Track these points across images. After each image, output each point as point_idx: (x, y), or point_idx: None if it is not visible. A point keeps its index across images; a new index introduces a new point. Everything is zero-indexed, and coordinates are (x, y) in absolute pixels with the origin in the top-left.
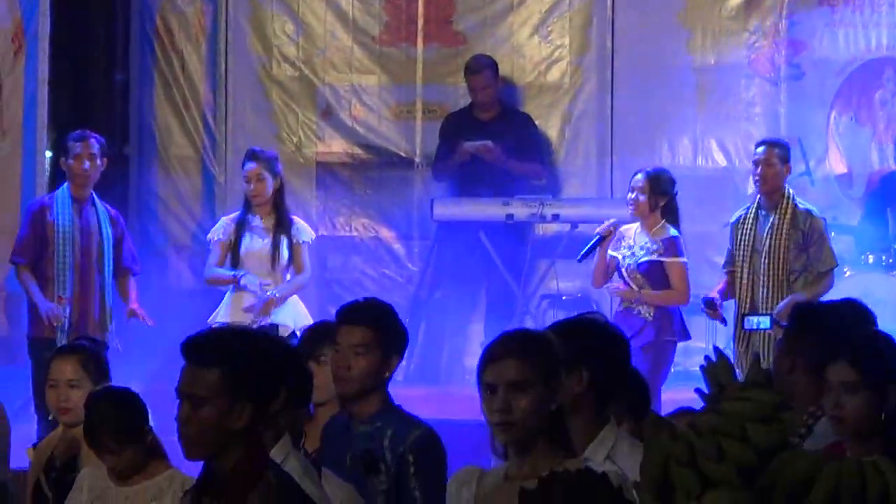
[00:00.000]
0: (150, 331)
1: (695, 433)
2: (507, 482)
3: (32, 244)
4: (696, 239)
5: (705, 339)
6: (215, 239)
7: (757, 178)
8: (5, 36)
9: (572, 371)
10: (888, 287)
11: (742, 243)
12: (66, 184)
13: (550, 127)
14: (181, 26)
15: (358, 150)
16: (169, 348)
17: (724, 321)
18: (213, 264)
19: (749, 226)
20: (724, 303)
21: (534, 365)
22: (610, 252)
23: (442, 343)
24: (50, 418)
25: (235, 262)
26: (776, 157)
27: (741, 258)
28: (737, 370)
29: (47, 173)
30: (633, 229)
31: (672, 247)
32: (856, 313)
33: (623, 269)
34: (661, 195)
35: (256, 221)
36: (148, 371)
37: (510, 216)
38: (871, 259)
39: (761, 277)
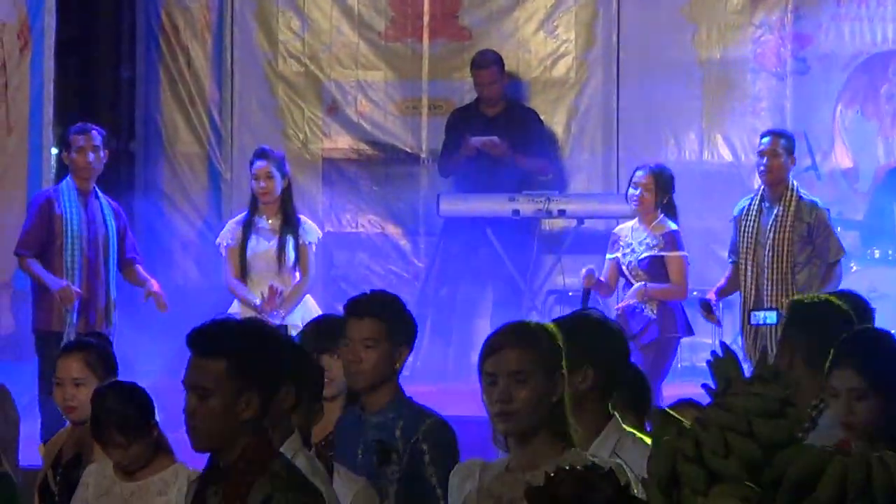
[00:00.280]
0: (156, 326)
1: (701, 428)
2: (509, 473)
3: (39, 236)
4: (702, 234)
5: (712, 334)
6: (224, 244)
7: (762, 168)
8: (11, 33)
9: (577, 368)
10: (894, 281)
11: (746, 235)
12: (69, 177)
13: (556, 122)
14: (187, 22)
15: (364, 146)
16: (175, 344)
17: (719, 324)
18: (232, 275)
19: (753, 217)
20: (728, 296)
21: (534, 356)
22: (609, 256)
23: (448, 339)
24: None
25: (243, 265)
26: (781, 147)
27: (745, 250)
28: (745, 364)
29: (53, 169)
30: (627, 227)
31: (672, 241)
32: (854, 307)
33: (624, 267)
34: (664, 192)
35: (262, 223)
36: (154, 366)
37: (516, 212)
38: (877, 253)
39: (765, 269)
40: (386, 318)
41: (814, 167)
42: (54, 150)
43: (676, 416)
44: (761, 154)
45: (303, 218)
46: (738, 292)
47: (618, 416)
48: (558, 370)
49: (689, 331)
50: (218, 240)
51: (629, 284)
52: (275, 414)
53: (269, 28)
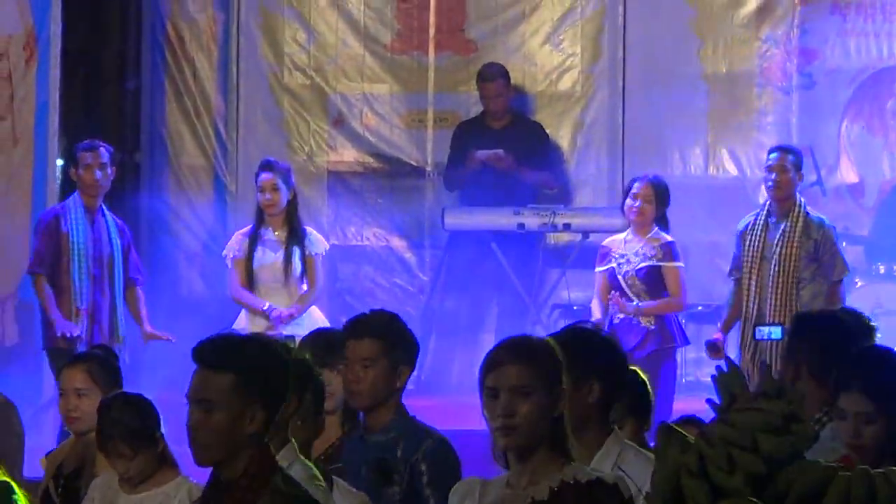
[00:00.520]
0: (165, 341)
1: (706, 443)
2: (509, 490)
3: (49, 255)
4: (707, 248)
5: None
6: (231, 256)
7: (770, 184)
8: (17, 44)
9: (584, 383)
10: None
11: (751, 250)
12: (76, 193)
13: (562, 135)
14: (192, 34)
15: (369, 159)
16: (180, 358)
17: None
18: (238, 285)
19: (758, 233)
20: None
21: (536, 370)
22: (599, 269)
23: (453, 353)
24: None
25: (250, 277)
26: (790, 163)
27: (749, 265)
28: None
29: (58, 181)
30: (619, 240)
31: (670, 252)
32: (856, 324)
33: (620, 278)
34: (663, 204)
35: (269, 234)
36: (159, 380)
37: (521, 225)
38: (882, 269)
39: (770, 284)
40: (385, 338)
41: (819, 182)
42: (59, 162)
43: (680, 431)
44: (770, 169)
45: (309, 230)
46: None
47: (616, 426)
48: (559, 385)
49: (685, 340)
50: (224, 251)
51: (623, 295)
52: (275, 425)
53: (274, 40)
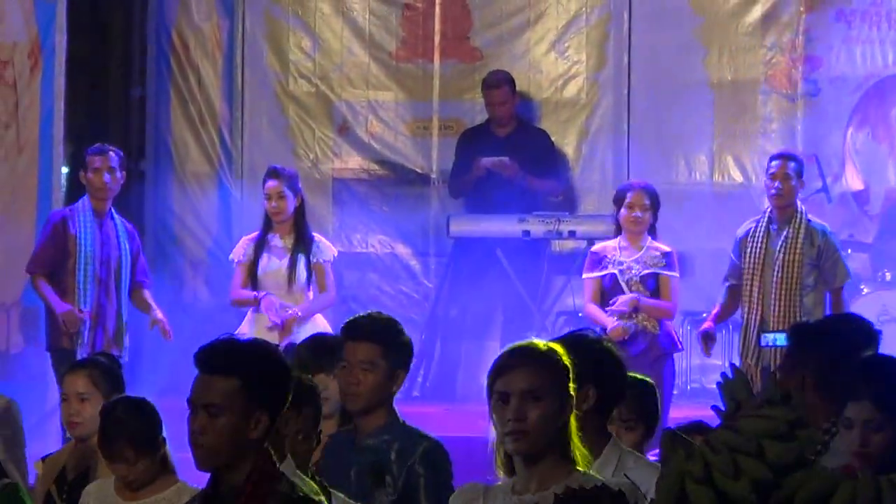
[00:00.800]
0: (166, 346)
1: (711, 450)
2: (516, 496)
3: (51, 255)
4: (712, 255)
5: (722, 355)
6: (236, 260)
7: (773, 191)
8: (22, 51)
9: (579, 388)
10: None
11: (752, 257)
12: (85, 196)
13: (567, 143)
14: (198, 42)
15: (374, 167)
16: (185, 364)
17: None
18: (237, 286)
19: (759, 240)
20: (724, 321)
21: (546, 375)
22: (592, 274)
23: (458, 360)
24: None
25: (254, 283)
26: (792, 170)
27: (751, 273)
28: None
29: (64, 188)
30: (611, 246)
31: (672, 261)
32: (861, 331)
33: (623, 284)
34: (656, 210)
35: (276, 241)
36: (162, 386)
37: (526, 233)
38: (888, 276)
39: (773, 291)
40: (384, 342)
41: (825, 189)
42: (65, 169)
43: (686, 437)
44: (772, 177)
45: (317, 237)
46: (734, 315)
47: (615, 436)
48: (567, 391)
49: (681, 346)
50: (231, 255)
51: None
52: (273, 436)
53: (279, 48)
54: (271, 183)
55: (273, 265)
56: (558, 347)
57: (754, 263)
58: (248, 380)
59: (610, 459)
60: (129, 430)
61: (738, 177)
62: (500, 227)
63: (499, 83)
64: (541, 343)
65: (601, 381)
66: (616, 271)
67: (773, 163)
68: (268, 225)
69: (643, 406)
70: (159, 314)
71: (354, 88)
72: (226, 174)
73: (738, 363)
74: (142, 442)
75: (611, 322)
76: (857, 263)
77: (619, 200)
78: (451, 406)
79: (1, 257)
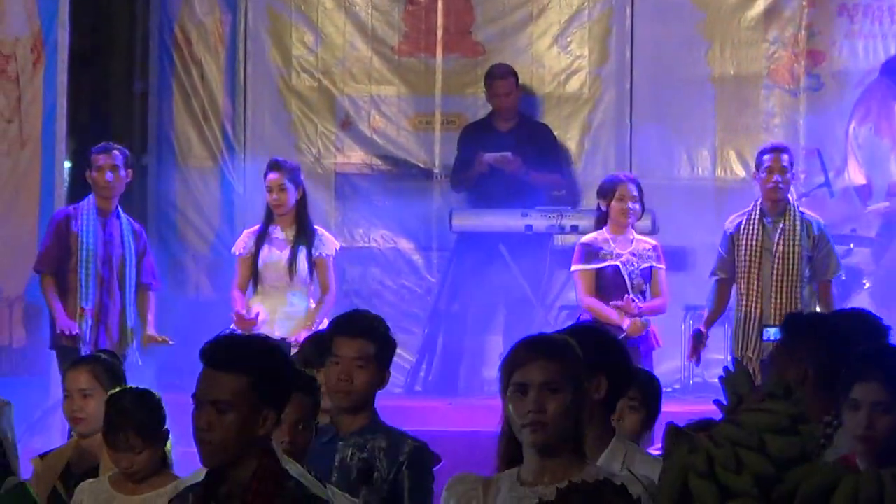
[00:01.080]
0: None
1: (713, 444)
2: (526, 488)
3: (55, 254)
4: (714, 250)
5: (724, 350)
6: (237, 254)
7: (772, 184)
8: (25, 46)
9: (590, 378)
10: None
11: (749, 250)
12: (91, 195)
13: (569, 137)
14: (200, 36)
15: (377, 161)
16: (187, 359)
17: (698, 363)
18: (236, 283)
19: (754, 233)
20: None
21: (564, 367)
22: (588, 267)
23: (460, 354)
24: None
25: (255, 275)
26: (787, 162)
27: (747, 266)
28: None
29: (66, 183)
30: (602, 238)
31: (660, 254)
32: (870, 326)
33: (626, 276)
34: (643, 202)
35: (277, 233)
36: (164, 380)
37: (529, 227)
38: None
39: (772, 284)
40: (377, 340)
41: (827, 184)
42: (67, 165)
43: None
44: (769, 171)
45: (320, 230)
46: (724, 311)
47: (620, 430)
48: (582, 383)
49: (659, 344)
50: (233, 249)
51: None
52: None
53: (282, 43)
54: (272, 175)
55: (273, 257)
56: (572, 340)
57: (751, 257)
58: (256, 377)
59: (616, 453)
60: (136, 418)
61: (740, 171)
62: (503, 221)
63: (504, 74)
64: (557, 336)
65: (611, 372)
66: (618, 263)
67: (767, 156)
68: (269, 217)
69: (649, 392)
70: (151, 330)
71: (357, 83)
72: (228, 168)
73: (730, 357)
74: (148, 431)
75: (619, 317)
76: (860, 258)
77: (608, 193)
78: (454, 400)
79: (3, 252)
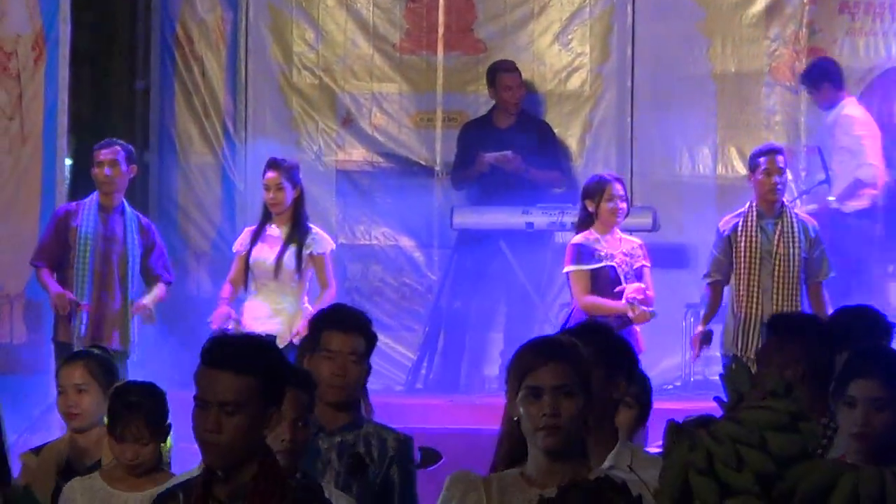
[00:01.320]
0: (169, 338)
1: (714, 441)
2: (535, 490)
3: (53, 248)
4: None
5: (720, 350)
6: (235, 251)
7: (769, 186)
8: (26, 43)
9: (611, 378)
10: None
11: (748, 252)
12: (95, 192)
13: (570, 135)
14: (202, 34)
15: (378, 159)
16: (188, 355)
17: (695, 358)
18: (227, 279)
19: (752, 234)
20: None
21: (576, 370)
22: (584, 267)
23: (461, 351)
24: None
25: (246, 272)
26: (784, 163)
27: (747, 268)
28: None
29: (67, 181)
30: (593, 238)
31: (646, 252)
32: (876, 323)
33: (622, 277)
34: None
35: (272, 230)
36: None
37: (530, 224)
38: (890, 269)
39: (774, 284)
40: (366, 335)
41: (827, 181)
42: (68, 162)
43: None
44: (768, 173)
45: (315, 229)
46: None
47: (622, 431)
48: (590, 384)
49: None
50: (234, 245)
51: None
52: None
53: (283, 40)
54: (270, 174)
55: (263, 255)
56: (576, 341)
57: (751, 259)
58: (262, 377)
59: (622, 454)
60: (145, 407)
61: (741, 169)
62: (504, 218)
63: (511, 68)
64: (563, 338)
65: (628, 372)
66: (614, 264)
67: (762, 158)
68: (266, 215)
69: (643, 389)
70: (146, 300)
71: (358, 80)
72: (230, 166)
73: (720, 354)
74: (156, 422)
75: (623, 305)
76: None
77: (595, 193)
78: (455, 397)
79: (5, 249)
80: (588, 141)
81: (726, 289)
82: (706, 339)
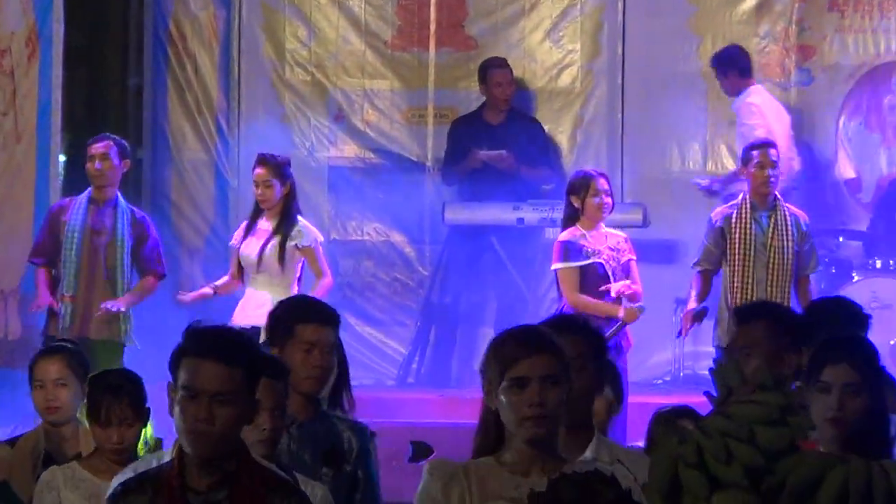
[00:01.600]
0: (162, 333)
1: (703, 435)
2: (519, 478)
3: (48, 244)
4: None
5: (713, 342)
6: (230, 244)
7: (764, 179)
8: (20, 39)
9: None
10: (895, 291)
11: (741, 244)
12: (90, 187)
13: (561, 131)
14: (194, 31)
15: (370, 155)
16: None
17: (681, 334)
18: (229, 273)
19: (745, 227)
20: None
21: (560, 360)
22: (572, 264)
23: (452, 346)
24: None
25: (240, 265)
26: (776, 156)
27: (740, 259)
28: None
29: (61, 177)
30: (579, 234)
31: (632, 245)
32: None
33: (610, 273)
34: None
35: (263, 224)
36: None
37: (521, 220)
38: (878, 264)
39: (767, 276)
40: (337, 329)
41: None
42: (62, 158)
43: (678, 423)
44: (761, 166)
45: (302, 221)
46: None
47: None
48: (570, 375)
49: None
50: (231, 240)
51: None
52: None
53: (276, 37)
54: (258, 170)
55: (251, 247)
56: (552, 332)
57: (744, 250)
58: (250, 370)
59: (602, 443)
60: (125, 390)
61: (731, 165)
62: (495, 214)
63: (502, 64)
64: (543, 328)
65: (608, 367)
66: (602, 261)
67: (755, 152)
68: (258, 210)
69: (615, 377)
70: (120, 301)
71: (350, 77)
72: (222, 162)
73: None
74: (138, 403)
75: (612, 307)
76: (850, 251)
77: (580, 189)
78: (446, 392)
79: None
80: (579, 137)
81: (715, 279)
82: (699, 316)
